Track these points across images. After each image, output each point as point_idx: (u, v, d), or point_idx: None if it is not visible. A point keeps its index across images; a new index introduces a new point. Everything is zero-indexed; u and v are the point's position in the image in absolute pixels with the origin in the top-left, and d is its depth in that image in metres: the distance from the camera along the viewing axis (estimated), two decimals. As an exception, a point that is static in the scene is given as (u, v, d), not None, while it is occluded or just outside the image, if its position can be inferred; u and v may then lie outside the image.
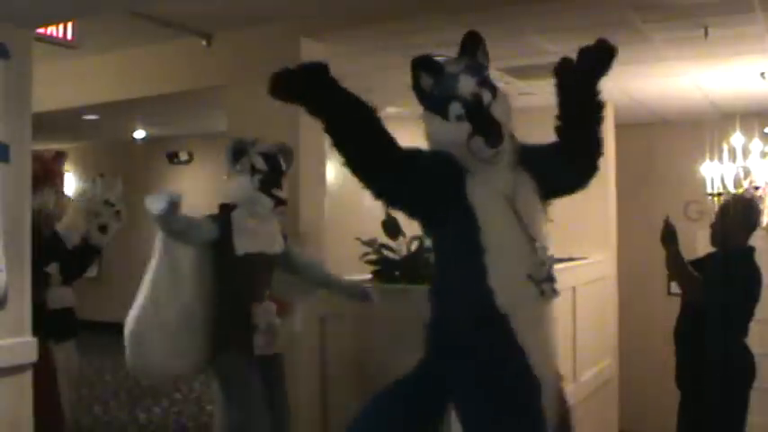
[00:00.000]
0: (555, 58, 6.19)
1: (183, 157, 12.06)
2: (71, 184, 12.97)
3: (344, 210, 9.17)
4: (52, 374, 4.57)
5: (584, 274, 7.45)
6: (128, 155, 12.25)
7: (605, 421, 8.17)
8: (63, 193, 5.01)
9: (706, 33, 5.34)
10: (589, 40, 5.88)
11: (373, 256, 5.21)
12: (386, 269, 5.16)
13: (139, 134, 11.35)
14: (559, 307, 6.66)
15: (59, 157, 5.11)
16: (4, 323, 3.60)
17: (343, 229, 6.68)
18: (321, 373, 5.09)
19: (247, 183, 4.26)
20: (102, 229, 5.09)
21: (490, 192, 3.18)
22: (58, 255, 4.82)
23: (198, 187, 11.52)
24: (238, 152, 4.35)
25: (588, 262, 7.69)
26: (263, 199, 4.27)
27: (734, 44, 5.78)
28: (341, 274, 5.52)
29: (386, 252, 5.19)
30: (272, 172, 4.33)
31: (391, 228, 5.18)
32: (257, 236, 4.29)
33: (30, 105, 3.82)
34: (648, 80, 7.24)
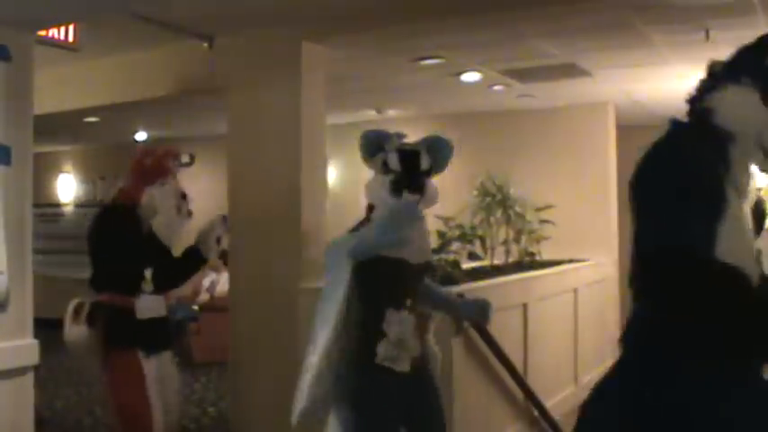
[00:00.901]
0: (556, 61, 6.22)
1: (185, 159, 12.05)
2: (71, 186, 12.99)
3: (346, 211, 9.17)
4: (140, 384, 4.27)
5: (586, 276, 7.46)
6: (129, 157, 12.22)
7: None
8: (179, 190, 4.64)
9: (707, 35, 5.34)
10: (590, 43, 5.92)
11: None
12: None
13: (141, 136, 11.34)
14: (561, 308, 6.70)
15: (173, 154, 4.86)
16: (5, 325, 3.60)
17: (344, 231, 6.68)
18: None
19: (379, 183, 3.82)
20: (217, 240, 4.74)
21: None
22: (153, 258, 4.46)
23: (199, 189, 11.52)
24: (374, 147, 3.94)
25: (590, 264, 7.70)
26: (392, 203, 3.77)
27: (735, 46, 5.76)
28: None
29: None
30: (407, 172, 3.82)
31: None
32: (399, 241, 3.75)
33: (31, 108, 3.82)
34: (650, 82, 7.25)
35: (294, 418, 3.64)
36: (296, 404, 3.64)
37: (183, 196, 4.58)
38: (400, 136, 3.99)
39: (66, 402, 7.58)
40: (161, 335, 4.50)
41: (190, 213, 4.59)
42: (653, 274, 2.29)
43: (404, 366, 3.66)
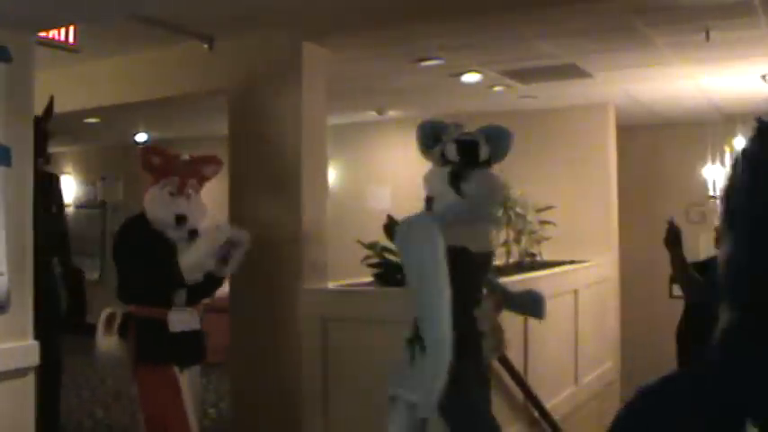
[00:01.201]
0: (556, 62, 6.22)
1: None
2: (72, 187, 12.99)
3: (346, 213, 9.18)
4: (175, 399, 4.22)
5: (587, 277, 7.46)
6: (129, 158, 12.23)
7: (607, 423, 8.15)
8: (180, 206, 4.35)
9: (708, 36, 5.34)
10: (591, 44, 5.92)
11: (375, 259, 5.21)
12: (387, 272, 5.15)
13: (141, 137, 11.35)
14: (562, 309, 6.69)
15: (201, 161, 4.60)
16: (6, 327, 3.60)
17: (345, 232, 6.69)
18: (322, 375, 5.09)
19: (438, 175, 3.78)
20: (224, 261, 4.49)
21: None
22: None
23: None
24: (432, 138, 3.85)
25: (590, 265, 7.69)
26: (451, 195, 3.73)
27: (736, 47, 5.78)
28: (342, 277, 5.53)
29: (387, 255, 5.19)
30: (466, 164, 3.76)
31: (393, 231, 5.18)
32: (465, 232, 3.73)
33: (32, 109, 3.83)
34: (650, 83, 7.25)
35: (434, 400, 3.49)
36: (434, 385, 3.45)
37: (180, 219, 4.30)
38: (458, 126, 3.92)
39: (66, 404, 7.57)
40: (194, 348, 4.44)
41: (192, 234, 4.34)
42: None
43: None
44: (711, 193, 7.22)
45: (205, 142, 11.41)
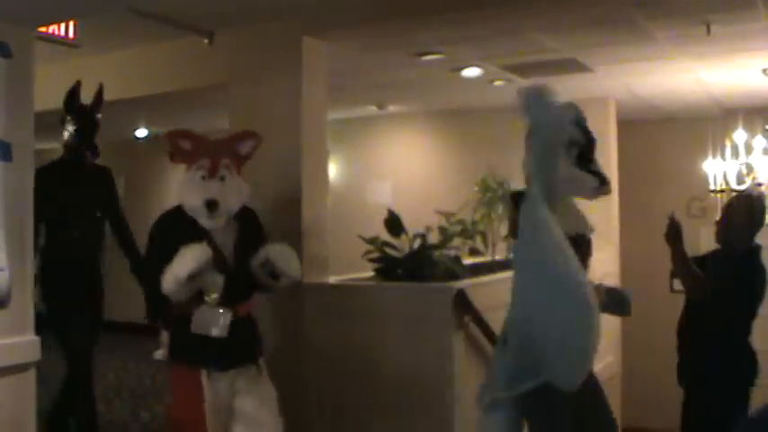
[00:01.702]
0: (557, 56, 6.21)
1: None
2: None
3: (347, 207, 9.17)
4: (198, 402, 3.90)
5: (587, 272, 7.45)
6: (130, 153, 12.25)
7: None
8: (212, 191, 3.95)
9: (708, 30, 5.33)
10: (591, 38, 5.91)
11: (375, 254, 5.21)
12: (388, 267, 5.15)
13: (141, 133, 11.34)
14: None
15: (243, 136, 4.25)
16: (6, 322, 3.60)
17: (346, 227, 6.69)
18: (323, 370, 5.09)
19: (560, 155, 3.59)
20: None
21: None
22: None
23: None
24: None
25: (591, 259, 7.68)
26: (586, 178, 3.67)
27: (736, 41, 5.77)
28: (343, 272, 5.53)
29: (388, 250, 5.19)
30: (588, 144, 3.69)
31: (393, 225, 5.18)
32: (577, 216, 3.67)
33: (32, 104, 3.82)
34: (651, 77, 7.24)
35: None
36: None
37: (211, 205, 3.89)
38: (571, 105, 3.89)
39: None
40: (225, 351, 3.92)
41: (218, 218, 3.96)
42: None
43: None
44: (712, 187, 7.21)
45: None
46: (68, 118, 5.32)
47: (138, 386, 8.19)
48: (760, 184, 6.78)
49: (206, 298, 3.90)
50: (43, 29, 4.72)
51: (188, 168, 4.06)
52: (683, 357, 4.96)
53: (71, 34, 5.37)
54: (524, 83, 7.47)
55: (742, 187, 6.83)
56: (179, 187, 4.06)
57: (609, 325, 8.11)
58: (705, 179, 7.29)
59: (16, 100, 3.66)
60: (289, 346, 5.08)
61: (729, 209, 5.01)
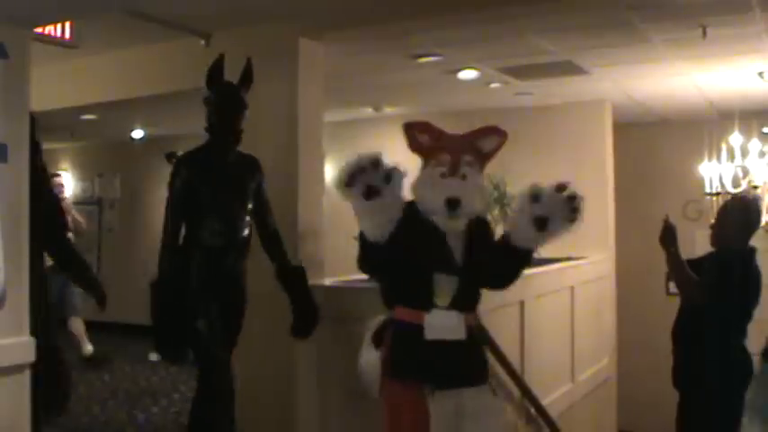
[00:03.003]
0: (554, 59, 6.21)
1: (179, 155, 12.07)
2: (69, 183, 12.96)
3: (343, 209, 9.17)
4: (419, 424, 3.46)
5: (583, 274, 7.46)
6: (126, 155, 12.24)
7: (604, 420, 8.18)
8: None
9: (704, 33, 5.34)
10: (588, 41, 5.91)
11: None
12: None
13: (138, 134, 11.33)
14: (558, 306, 6.70)
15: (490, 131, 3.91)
16: (2, 323, 3.59)
17: (341, 229, 6.68)
18: (318, 371, 5.09)
19: None
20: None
21: None
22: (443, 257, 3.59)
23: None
24: None
25: (586, 262, 7.70)
26: None
27: (732, 44, 5.78)
28: (339, 273, 5.53)
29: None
30: None
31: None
32: None
33: (28, 105, 3.82)
34: (647, 80, 7.25)
35: None
36: None
37: (452, 203, 3.57)
38: None
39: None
40: (454, 364, 3.52)
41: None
42: None
43: None
44: (708, 190, 7.21)
45: (202, 138, 11.44)
46: (211, 98, 4.74)
47: (134, 387, 8.18)
48: (756, 187, 6.79)
49: (436, 301, 3.52)
50: (40, 29, 4.72)
51: (425, 164, 3.77)
52: (678, 360, 4.97)
53: (68, 35, 5.37)
54: (521, 85, 7.49)
55: (738, 190, 6.84)
56: (414, 183, 3.70)
57: (605, 327, 8.13)
58: (701, 182, 7.29)
59: (12, 101, 3.66)
60: (283, 346, 5.07)
61: (724, 212, 5.02)
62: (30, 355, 3.72)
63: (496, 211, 6.43)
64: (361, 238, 3.62)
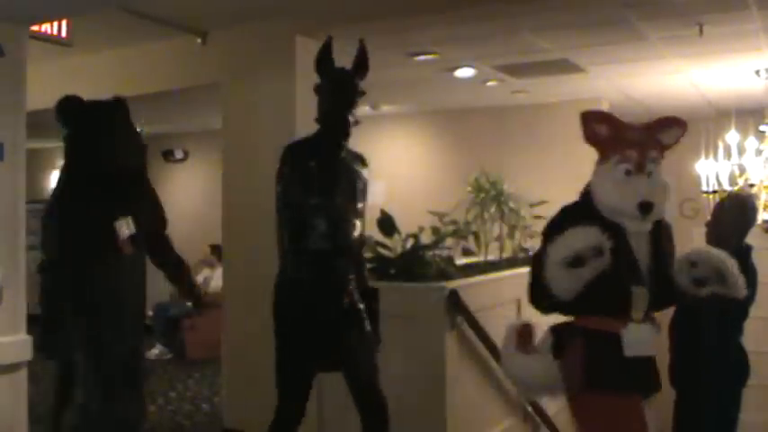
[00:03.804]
0: (550, 57, 6.20)
1: (179, 155, 12.05)
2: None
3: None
4: None
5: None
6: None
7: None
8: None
9: (701, 31, 5.34)
10: (584, 39, 5.91)
11: (368, 254, 5.20)
12: (381, 267, 5.15)
13: (135, 132, 11.32)
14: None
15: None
16: (-1, 321, 3.60)
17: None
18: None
19: None
20: None
21: None
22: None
23: (194, 185, 11.52)
24: None
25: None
26: None
27: (729, 42, 5.78)
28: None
29: (381, 250, 5.19)
30: None
31: (386, 225, 5.18)
32: None
33: (24, 103, 3.82)
34: (643, 78, 7.25)
35: None
36: None
37: (645, 207, 3.36)
38: None
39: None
40: (652, 369, 3.36)
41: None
42: None
43: None
44: (705, 188, 7.21)
45: (199, 136, 11.43)
46: (323, 85, 4.27)
47: (131, 386, 8.17)
48: (752, 185, 6.79)
49: (632, 315, 3.26)
50: (36, 27, 4.71)
51: (604, 159, 3.48)
52: (675, 358, 4.97)
53: (64, 33, 5.36)
54: (517, 83, 7.50)
55: (735, 188, 6.84)
56: (595, 182, 3.45)
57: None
58: (698, 180, 7.29)
59: (9, 99, 3.66)
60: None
61: (719, 210, 5.02)
62: (26, 354, 3.72)
63: (493, 209, 6.44)
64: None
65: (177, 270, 4.40)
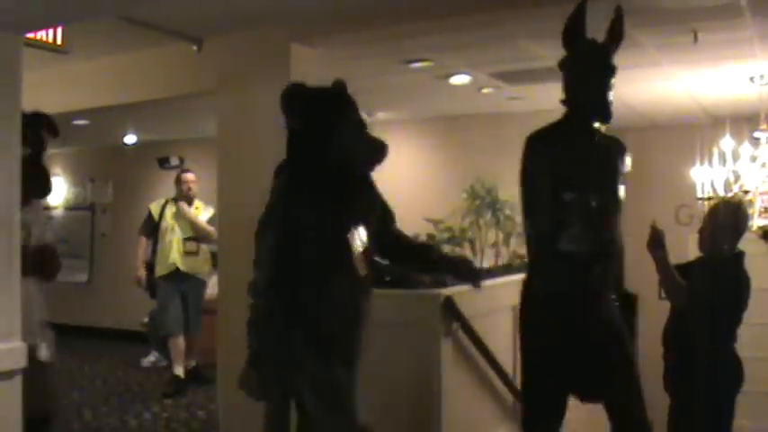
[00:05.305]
0: (545, 64, 6.20)
1: (174, 161, 12.04)
2: (61, 188, 12.94)
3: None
4: None
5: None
6: (118, 160, 12.22)
7: (595, 423, 8.17)
8: None
9: (696, 38, 5.35)
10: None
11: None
12: (375, 274, 5.15)
13: (130, 139, 11.32)
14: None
15: None
16: (-8, 328, 3.59)
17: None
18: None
19: None
20: None
21: None
22: None
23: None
24: None
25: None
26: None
27: (723, 49, 5.80)
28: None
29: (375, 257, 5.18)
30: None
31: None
32: None
33: (19, 110, 3.81)
34: (639, 84, 7.26)
35: None
36: None
37: None
38: None
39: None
40: None
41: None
42: None
43: None
44: (699, 195, 7.23)
45: (194, 144, 11.43)
46: (572, 59, 3.99)
47: (126, 393, 8.16)
48: (747, 192, 6.81)
49: None
50: (31, 35, 4.71)
51: None
52: (669, 364, 4.97)
53: (59, 40, 5.36)
54: (512, 90, 7.51)
55: (730, 195, 6.86)
56: None
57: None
58: (693, 186, 7.31)
59: (3, 106, 3.65)
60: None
61: (712, 216, 5.03)
62: (21, 361, 3.71)
63: (489, 216, 6.44)
64: None
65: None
